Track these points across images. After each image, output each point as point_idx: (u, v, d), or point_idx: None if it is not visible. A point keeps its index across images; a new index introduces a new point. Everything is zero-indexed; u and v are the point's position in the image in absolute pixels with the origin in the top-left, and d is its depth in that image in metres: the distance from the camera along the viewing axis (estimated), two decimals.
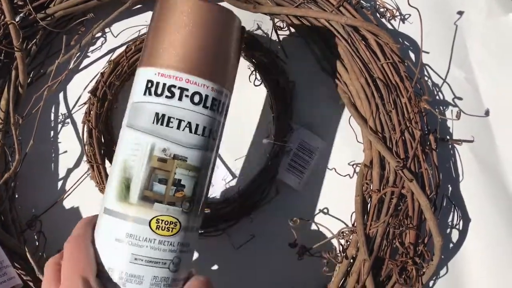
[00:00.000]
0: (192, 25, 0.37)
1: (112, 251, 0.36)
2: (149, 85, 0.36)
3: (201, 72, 0.37)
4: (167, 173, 0.35)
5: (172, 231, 0.36)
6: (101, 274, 0.35)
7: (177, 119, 0.36)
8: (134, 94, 0.38)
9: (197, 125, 0.36)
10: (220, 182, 0.54)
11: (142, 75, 0.38)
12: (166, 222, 0.35)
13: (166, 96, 0.36)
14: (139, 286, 0.35)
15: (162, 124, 0.35)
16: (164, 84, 0.36)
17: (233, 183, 0.54)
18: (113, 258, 0.35)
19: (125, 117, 0.38)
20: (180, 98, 0.36)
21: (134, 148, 0.36)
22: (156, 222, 0.35)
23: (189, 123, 0.36)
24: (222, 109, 0.39)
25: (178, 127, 0.36)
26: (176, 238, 0.36)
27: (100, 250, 0.36)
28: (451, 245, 0.53)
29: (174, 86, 0.36)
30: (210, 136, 0.37)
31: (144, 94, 0.37)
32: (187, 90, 0.36)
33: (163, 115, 0.36)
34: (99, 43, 0.57)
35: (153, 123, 0.36)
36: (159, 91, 0.36)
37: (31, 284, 0.48)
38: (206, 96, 0.36)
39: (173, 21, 0.37)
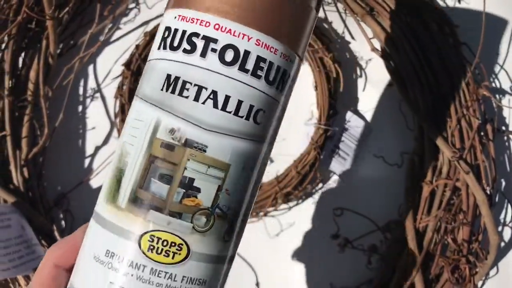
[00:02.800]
0: None
1: (87, 273, 0.24)
2: (166, 34, 0.24)
3: (244, 16, 0.23)
4: (172, 167, 0.23)
5: (173, 257, 0.23)
6: None
7: (195, 85, 0.23)
8: (151, 51, 0.26)
9: (227, 97, 0.23)
10: None
11: (162, 22, 0.26)
12: (165, 243, 0.23)
13: (184, 50, 0.23)
14: None
15: (173, 91, 0.23)
16: (184, 32, 0.24)
17: (271, 168, 0.51)
18: (87, 284, 0.24)
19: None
20: (203, 54, 0.23)
21: (134, 126, 0.24)
22: (150, 241, 0.23)
23: (214, 92, 0.23)
24: (282, 82, 0.25)
25: (197, 98, 0.23)
26: (180, 269, 0.23)
27: (76, 270, 0.25)
28: (502, 244, 0.49)
29: (197, 35, 0.23)
30: (255, 119, 0.24)
31: (159, 48, 0.25)
32: (215, 41, 0.23)
33: (176, 79, 0.23)
34: (132, 14, 0.54)
35: (162, 89, 0.23)
36: (175, 43, 0.24)
37: None
38: (247, 53, 0.23)
39: None
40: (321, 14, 0.51)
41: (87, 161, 0.53)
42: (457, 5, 0.52)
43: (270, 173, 0.50)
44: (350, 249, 0.47)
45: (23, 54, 0.50)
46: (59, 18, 0.50)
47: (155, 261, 0.23)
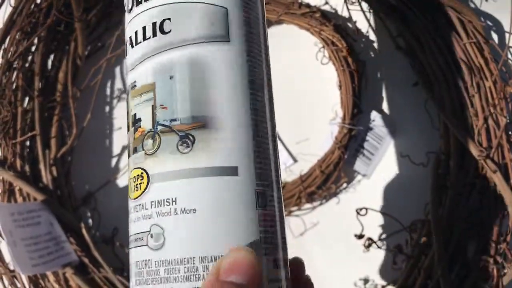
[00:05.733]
0: None
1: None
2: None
3: None
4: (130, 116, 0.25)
5: (139, 188, 0.23)
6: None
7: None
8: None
9: (135, 33, 0.25)
10: (281, 166, 0.51)
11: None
12: (135, 179, 0.24)
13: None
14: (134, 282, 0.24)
15: None
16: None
17: (295, 167, 0.51)
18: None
19: None
20: None
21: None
22: (130, 183, 0.25)
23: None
24: None
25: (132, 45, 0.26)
26: (146, 196, 0.23)
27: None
28: None
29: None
30: (162, 30, 0.24)
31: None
32: None
33: None
34: None
35: None
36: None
37: (85, 260, 0.47)
38: None
39: None
40: (345, 13, 0.51)
41: (114, 161, 0.54)
42: (484, 2, 0.52)
43: (294, 172, 0.51)
44: (375, 249, 0.47)
45: (52, 56, 0.52)
46: (87, 20, 0.51)
47: (134, 199, 0.24)
